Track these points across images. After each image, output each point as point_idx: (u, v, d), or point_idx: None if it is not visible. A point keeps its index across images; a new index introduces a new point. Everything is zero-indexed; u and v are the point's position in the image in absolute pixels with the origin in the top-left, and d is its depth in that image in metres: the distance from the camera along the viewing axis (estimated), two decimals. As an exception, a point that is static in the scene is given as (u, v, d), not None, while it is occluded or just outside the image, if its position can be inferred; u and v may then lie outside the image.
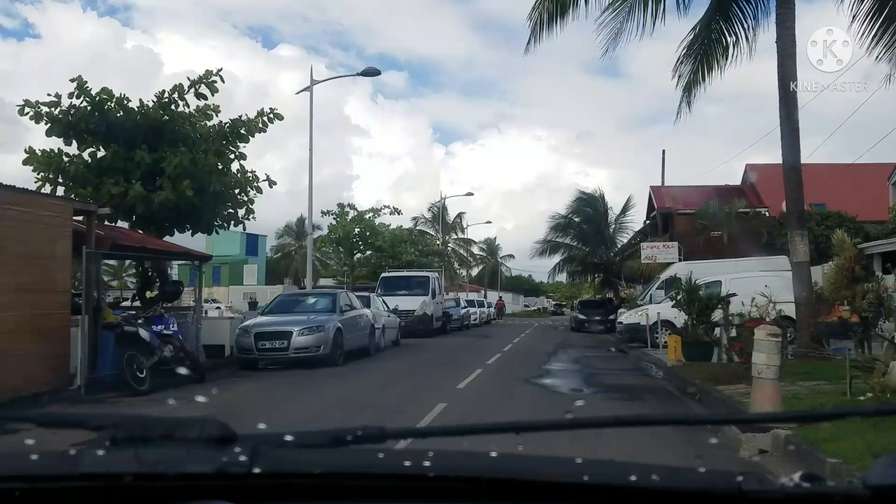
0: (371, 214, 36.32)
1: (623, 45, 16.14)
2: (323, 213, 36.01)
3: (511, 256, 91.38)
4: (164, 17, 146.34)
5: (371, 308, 19.49)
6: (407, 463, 0.99)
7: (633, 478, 0.97)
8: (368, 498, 1.00)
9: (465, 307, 37.50)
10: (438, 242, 56.92)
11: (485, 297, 67.73)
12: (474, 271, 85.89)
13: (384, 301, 23.46)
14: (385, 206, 37.04)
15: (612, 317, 29.82)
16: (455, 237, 64.60)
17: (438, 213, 55.47)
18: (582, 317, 33.31)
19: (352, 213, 36.45)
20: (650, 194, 39.64)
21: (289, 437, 1.05)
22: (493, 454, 1.01)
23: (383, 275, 29.86)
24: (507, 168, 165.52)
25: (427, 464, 0.98)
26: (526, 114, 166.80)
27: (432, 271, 30.72)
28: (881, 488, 0.92)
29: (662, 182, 39.83)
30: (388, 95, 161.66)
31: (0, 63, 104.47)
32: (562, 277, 50.59)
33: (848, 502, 0.93)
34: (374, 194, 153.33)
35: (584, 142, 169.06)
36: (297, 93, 22.73)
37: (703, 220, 31.42)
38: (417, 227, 55.34)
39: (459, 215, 63.77)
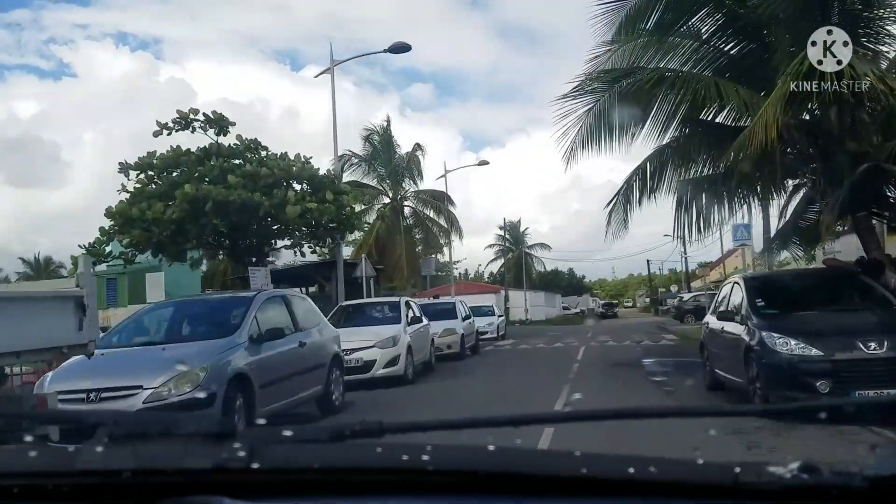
0: None
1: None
2: None
3: (545, 246, 69.00)
4: (193, 47, 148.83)
5: None
6: (405, 457, 0.99)
7: (632, 470, 0.97)
8: (367, 492, 1.00)
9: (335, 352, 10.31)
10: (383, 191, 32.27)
11: (505, 299, 48.83)
12: (483, 262, 67.42)
13: None
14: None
15: None
16: (414, 188, 34.08)
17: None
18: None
19: None
20: None
21: (287, 433, 1.05)
22: (492, 448, 1.01)
23: None
24: (539, 171, 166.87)
25: (425, 458, 0.98)
26: (555, 116, 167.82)
27: None
28: (878, 480, 0.92)
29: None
30: (415, 108, 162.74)
31: (40, 103, 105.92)
32: (658, 204, 13.86)
33: (845, 493, 0.93)
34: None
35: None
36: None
37: None
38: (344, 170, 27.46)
39: (417, 147, 33.75)
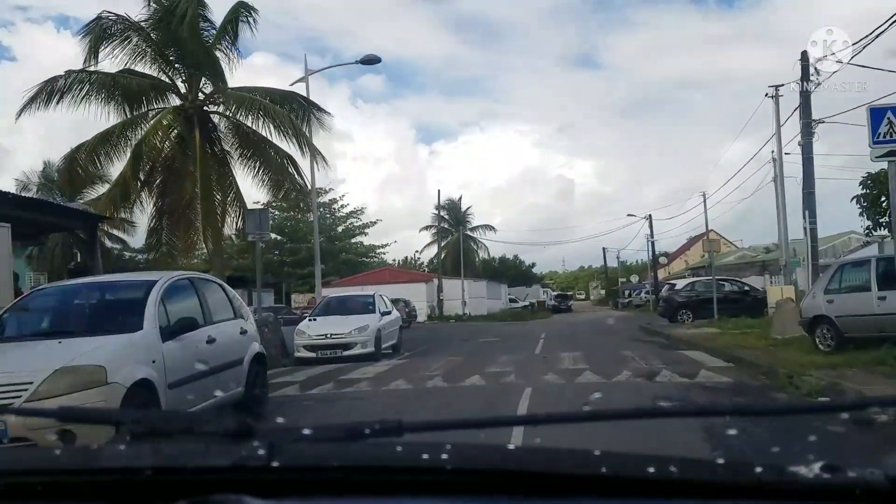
0: None
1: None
2: None
3: (489, 228, 60.21)
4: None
5: None
6: (425, 456, 0.99)
7: (651, 470, 0.96)
8: (386, 491, 1.00)
9: None
10: None
11: (438, 290, 42.16)
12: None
13: None
14: None
15: None
16: (238, 85, 18.55)
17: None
18: None
19: None
20: None
21: (307, 431, 1.06)
22: (511, 447, 1.01)
23: None
24: (492, 164, 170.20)
25: (445, 457, 0.98)
26: (508, 110, 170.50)
27: None
28: None
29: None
30: (367, 99, 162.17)
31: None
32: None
33: (868, 493, 0.92)
34: (361, 196, 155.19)
35: (567, 134, 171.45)
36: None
37: None
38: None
39: (242, 10, 18.08)
